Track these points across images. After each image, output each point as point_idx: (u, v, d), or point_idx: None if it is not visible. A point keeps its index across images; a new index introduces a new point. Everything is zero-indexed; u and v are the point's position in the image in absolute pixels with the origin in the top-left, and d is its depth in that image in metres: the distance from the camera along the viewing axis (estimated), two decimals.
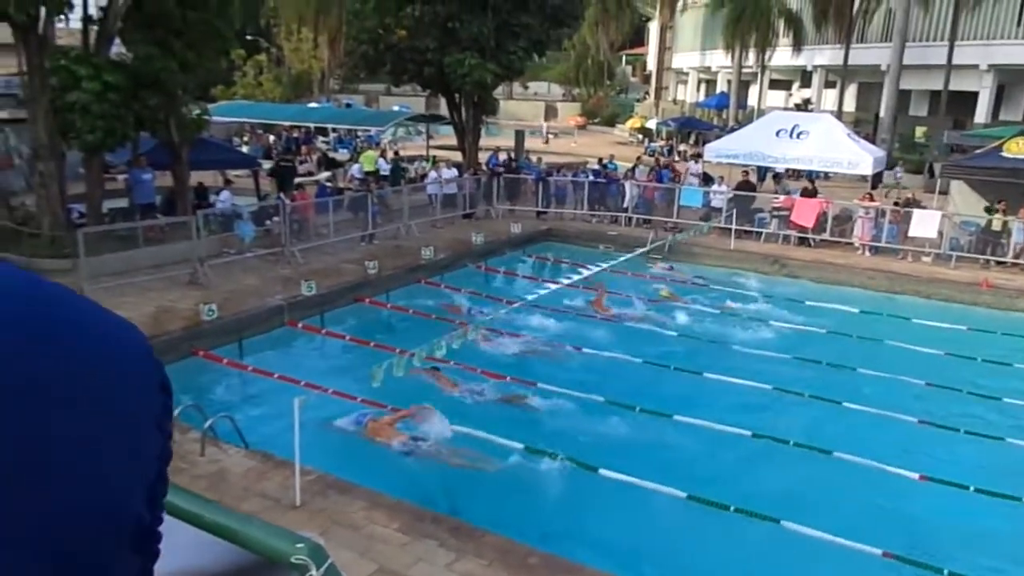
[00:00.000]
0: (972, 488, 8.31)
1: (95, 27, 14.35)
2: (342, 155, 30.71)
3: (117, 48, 15.05)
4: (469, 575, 6.22)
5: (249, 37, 42.36)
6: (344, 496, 7.38)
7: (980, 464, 9.15)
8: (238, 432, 8.40)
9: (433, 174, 21.78)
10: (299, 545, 1.23)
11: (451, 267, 17.03)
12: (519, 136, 29.68)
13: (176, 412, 8.26)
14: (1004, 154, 18.30)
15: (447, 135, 28.54)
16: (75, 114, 13.26)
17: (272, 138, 32.96)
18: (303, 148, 31.98)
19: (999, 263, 17.64)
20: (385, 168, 23.76)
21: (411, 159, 26.20)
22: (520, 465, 8.62)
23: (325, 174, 25.21)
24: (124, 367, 0.52)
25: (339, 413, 9.46)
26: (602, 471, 8.24)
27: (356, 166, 24.62)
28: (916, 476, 8.52)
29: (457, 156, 25.14)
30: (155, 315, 11.91)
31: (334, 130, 33.62)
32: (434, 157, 26.83)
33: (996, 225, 17.81)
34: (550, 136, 47.79)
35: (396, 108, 40.23)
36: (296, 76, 46.53)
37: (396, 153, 25.51)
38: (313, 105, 37.71)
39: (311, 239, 16.63)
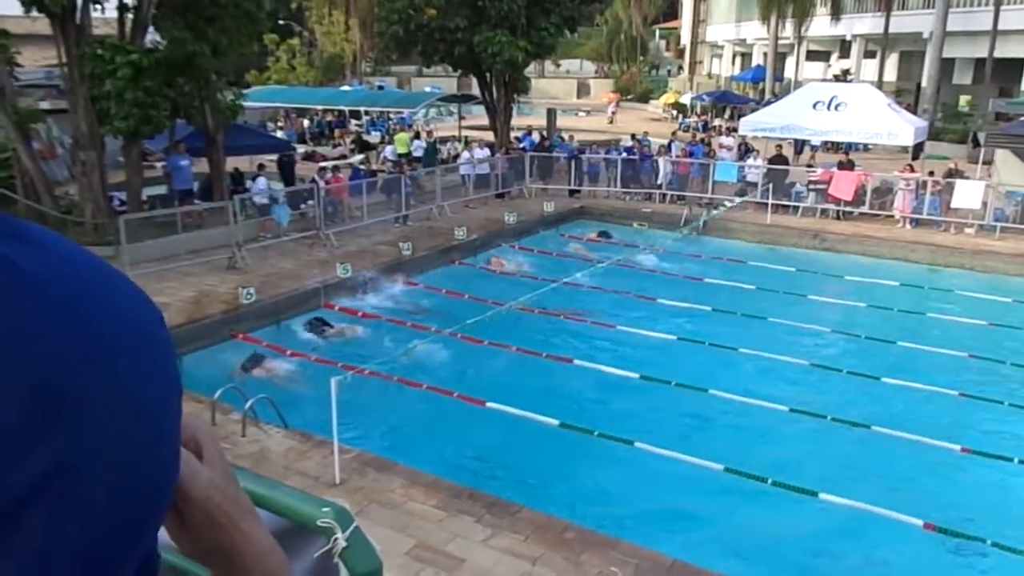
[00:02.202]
0: (1016, 460, 8.16)
1: (130, 15, 14.56)
2: (375, 137, 30.86)
3: (152, 36, 15.27)
4: (506, 550, 6.29)
5: (281, 21, 42.65)
6: (383, 474, 7.50)
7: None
8: (278, 412, 8.57)
9: (465, 154, 21.79)
10: (325, 509, 1.26)
11: (485, 247, 17.07)
12: (551, 114, 29.50)
13: (217, 394, 8.48)
14: None
15: (479, 115, 28.49)
16: (110, 102, 13.50)
17: (306, 122, 33.23)
18: (336, 131, 32.21)
19: None
20: (419, 149, 23.82)
21: (443, 140, 26.23)
22: (555, 440, 8.67)
23: (358, 157, 25.37)
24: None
25: (376, 392, 9.58)
26: (638, 444, 8.25)
27: (389, 148, 24.73)
28: (958, 448, 8.38)
29: (489, 136, 25.09)
30: (195, 299, 12.15)
31: (367, 113, 33.75)
32: (466, 137, 26.81)
33: None
34: (582, 113, 47.49)
35: (428, 89, 40.28)
36: (328, 59, 46.76)
37: (429, 134, 25.57)
38: (346, 88, 37.91)
39: (345, 222, 16.79)
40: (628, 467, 8.23)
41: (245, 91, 21.89)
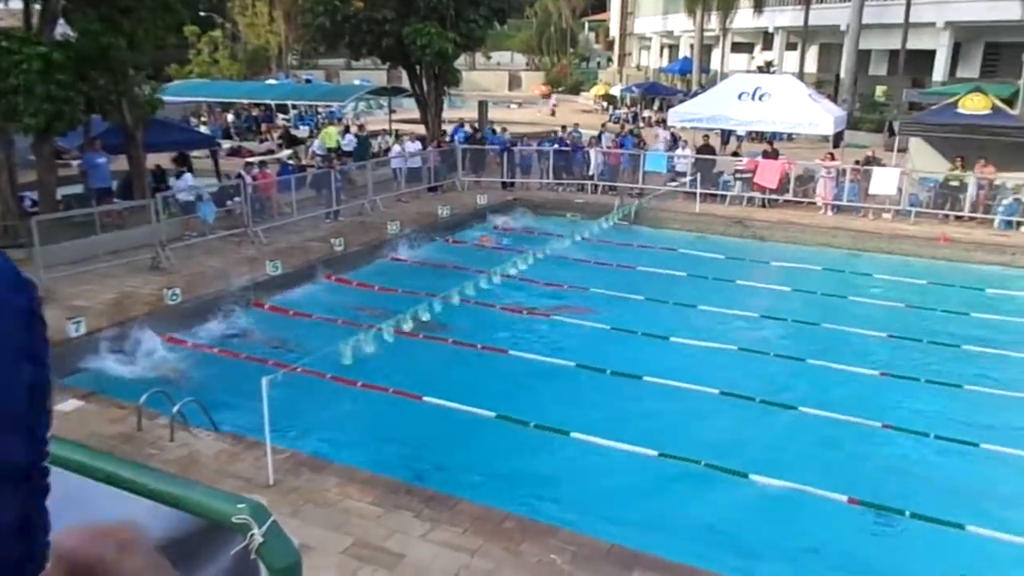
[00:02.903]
0: (932, 435, 8.56)
1: (37, 6, 13.88)
2: (303, 132, 30.28)
3: (63, 29, 14.61)
4: (445, 543, 6.27)
5: (202, 13, 41.40)
6: (317, 473, 7.38)
7: (939, 411, 9.43)
8: (207, 415, 8.33)
9: (397, 148, 21.56)
10: (240, 505, 1.23)
11: (418, 241, 16.96)
12: (483, 107, 29.44)
13: (143, 398, 8.19)
14: (960, 110, 18.57)
15: (410, 108, 28.23)
16: (19, 96, 12.86)
17: (230, 117, 32.38)
18: (263, 126, 31.48)
19: (957, 217, 17.99)
20: (349, 144, 23.48)
21: (374, 134, 25.91)
22: (493, 432, 8.69)
23: (286, 152, 24.85)
24: None
25: (310, 391, 9.42)
26: (574, 434, 8.33)
27: (317, 142, 24.32)
28: (879, 425, 8.74)
29: (420, 129, 24.89)
30: (117, 301, 11.71)
31: (294, 106, 33.08)
32: (397, 131, 26.54)
33: (953, 180, 18.15)
34: (514, 106, 47.60)
35: (357, 82, 39.70)
36: (252, 52, 45.66)
37: (360, 128, 25.20)
38: (272, 82, 37.09)
39: (274, 218, 16.41)
40: (565, 456, 8.30)
41: (165, 85, 21.18)
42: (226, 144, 25.91)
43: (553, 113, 42.76)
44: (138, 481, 1.30)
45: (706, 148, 21.09)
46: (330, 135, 24.43)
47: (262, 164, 17.90)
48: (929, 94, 31.91)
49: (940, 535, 6.82)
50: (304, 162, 22.11)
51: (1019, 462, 8.18)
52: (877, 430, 8.75)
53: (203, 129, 28.02)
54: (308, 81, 41.15)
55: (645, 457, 7.92)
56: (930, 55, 36.68)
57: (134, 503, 1.36)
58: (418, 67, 23.52)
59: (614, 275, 14.98)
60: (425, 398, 9.13)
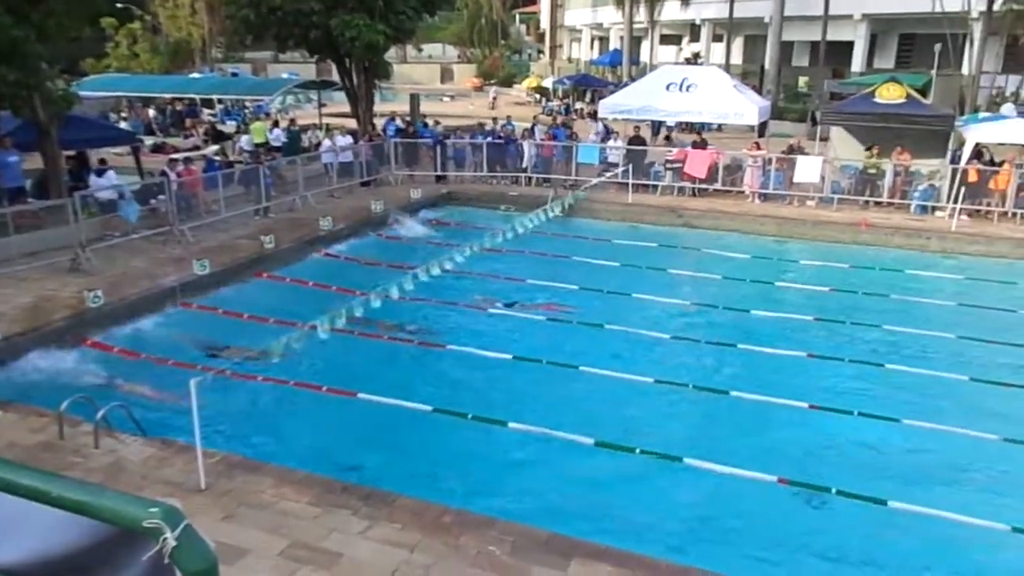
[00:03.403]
0: (856, 412, 8.90)
1: None
2: (230, 127, 29.51)
3: None
4: (384, 540, 6.22)
5: (120, 4, 39.84)
6: (251, 475, 7.22)
7: (862, 390, 9.81)
8: (133, 420, 8.06)
9: (327, 142, 21.24)
10: (152, 509, 1.19)
11: (351, 237, 16.74)
12: (415, 100, 29.21)
13: (64, 405, 7.87)
14: (876, 100, 19.29)
15: (340, 102, 27.80)
16: None
17: (152, 112, 31.33)
18: (188, 121, 30.57)
19: (876, 203, 18.70)
20: (278, 139, 22.98)
21: (304, 128, 25.44)
22: (430, 426, 8.65)
23: (213, 148, 24.18)
24: None
25: (242, 393, 9.21)
26: (512, 424, 8.37)
27: (245, 138, 23.74)
28: (806, 406, 9.05)
29: (352, 123, 24.55)
30: (34, 305, 11.23)
31: (220, 101, 32.20)
32: (327, 125, 26.12)
33: (872, 168, 18.86)
34: (447, 98, 47.40)
35: (284, 76, 38.92)
36: (175, 45, 44.23)
37: (291, 122, 24.71)
38: (195, 75, 36.03)
39: (201, 216, 15.97)
40: (503, 447, 8.32)
41: (81, 79, 20.33)
42: (149, 140, 25.08)
43: (493, 106, 42.75)
44: (40, 488, 1.25)
45: (637, 139, 21.39)
46: (258, 130, 23.89)
47: (187, 160, 17.33)
48: (848, 84, 33.10)
49: (864, 511, 7.10)
50: (231, 158, 21.56)
51: (937, 436, 8.58)
52: (804, 411, 9.04)
53: (123, 125, 27.05)
54: (234, 75, 40.12)
55: (582, 445, 8.01)
56: (849, 46, 38.05)
57: (44, 511, 1.30)
58: (348, 60, 23.19)
59: (549, 266, 15.07)
60: (360, 395, 9.03)
